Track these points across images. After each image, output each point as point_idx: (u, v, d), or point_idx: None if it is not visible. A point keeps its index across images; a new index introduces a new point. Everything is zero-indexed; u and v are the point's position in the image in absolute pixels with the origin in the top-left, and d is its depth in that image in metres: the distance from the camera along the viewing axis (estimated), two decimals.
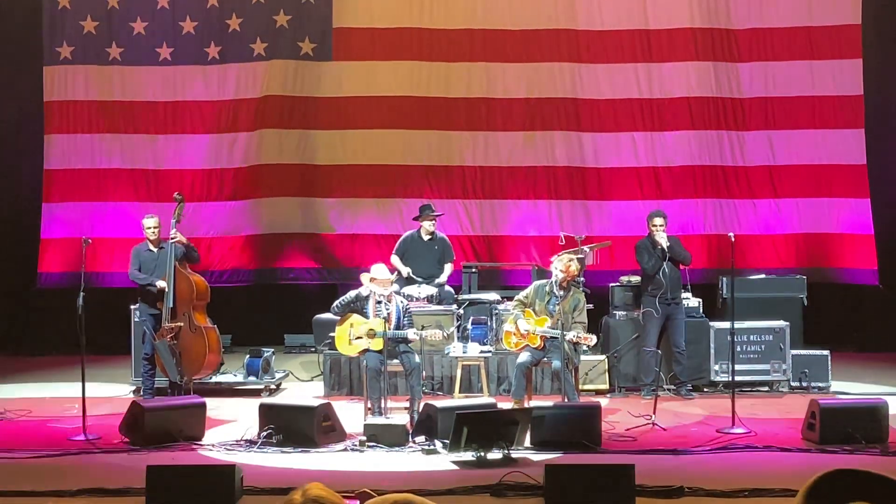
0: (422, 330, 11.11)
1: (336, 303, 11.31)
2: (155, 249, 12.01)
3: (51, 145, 15.29)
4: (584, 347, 11.23)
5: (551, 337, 10.97)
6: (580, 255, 12.85)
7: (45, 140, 15.27)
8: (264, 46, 15.25)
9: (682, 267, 12.54)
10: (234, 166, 15.32)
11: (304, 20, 15.26)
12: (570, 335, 10.77)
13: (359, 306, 11.18)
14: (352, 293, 11.27)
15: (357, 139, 15.35)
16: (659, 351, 12.06)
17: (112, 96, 15.30)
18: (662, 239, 12.24)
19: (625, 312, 12.95)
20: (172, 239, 11.85)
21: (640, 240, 12.71)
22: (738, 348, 12.25)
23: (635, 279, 13.10)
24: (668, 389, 12.26)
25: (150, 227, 12.00)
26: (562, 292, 11.04)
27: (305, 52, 15.27)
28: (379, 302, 11.14)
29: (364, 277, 11.33)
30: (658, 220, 12.39)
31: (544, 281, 11.32)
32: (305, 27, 15.27)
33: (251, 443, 9.96)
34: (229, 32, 15.26)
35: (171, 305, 11.78)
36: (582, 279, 12.67)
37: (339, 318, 11.23)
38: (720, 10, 15.11)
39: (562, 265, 11.09)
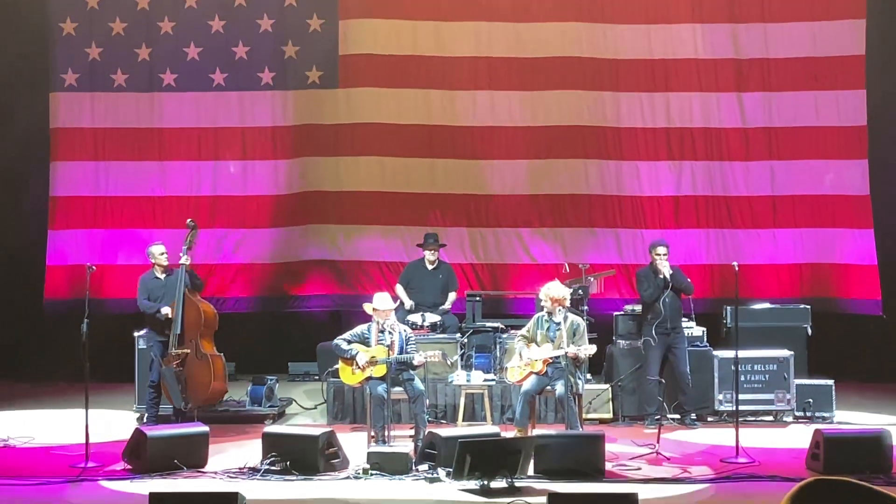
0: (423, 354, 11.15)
1: (339, 341, 11.26)
2: (162, 277, 12.04)
3: (56, 172, 15.31)
4: (586, 355, 11.13)
5: (553, 360, 11.00)
6: (584, 284, 12.89)
7: (50, 167, 15.30)
8: (272, 76, 15.30)
9: (683, 296, 12.55)
10: (239, 194, 15.33)
11: (310, 49, 15.31)
12: (570, 349, 10.82)
13: (363, 338, 11.22)
14: (356, 329, 11.31)
15: (362, 166, 15.38)
16: (662, 380, 12.05)
17: (117, 123, 15.31)
18: (665, 268, 12.27)
19: (629, 341, 12.93)
20: (183, 264, 11.85)
21: (641, 268, 12.72)
22: (743, 378, 12.24)
23: (640, 308, 13.12)
24: (672, 419, 12.25)
25: (159, 254, 12.03)
26: (558, 319, 11.09)
27: (313, 81, 15.32)
28: (381, 331, 11.16)
29: (367, 307, 11.36)
30: (661, 249, 12.42)
31: (543, 312, 11.36)
32: (312, 55, 15.31)
33: (254, 470, 9.96)
34: (236, 60, 15.30)
35: (179, 332, 11.79)
36: (585, 307, 12.69)
37: (344, 352, 11.21)
38: (724, 41, 15.14)
39: (543, 295, 11.21)
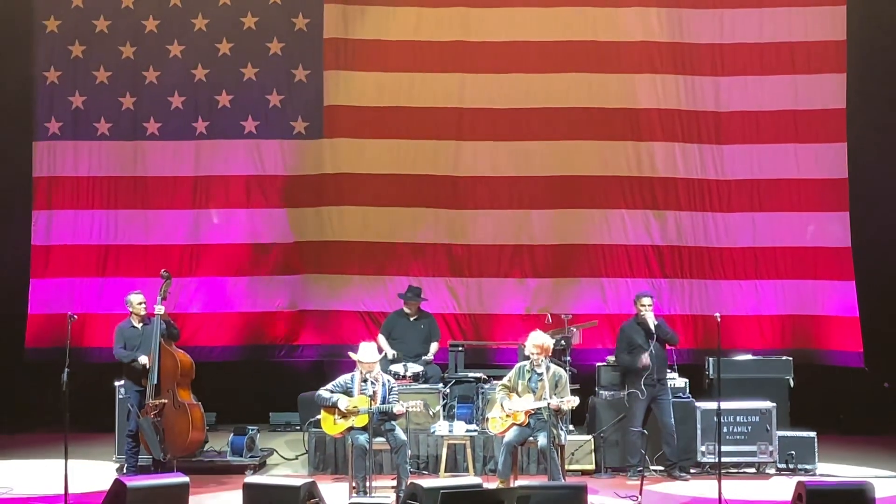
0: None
1: (321, 392, 11.26)
2: (139, 326, 12.02)
3: (39, 221, 15.29)
4: (568, 408, 11.10)
5: (535, 411, 10.98)
6: (566, 335, 12.89)
7: (33, 216, 15.28)
8: (256, 125, 15.35)
9: (668, 347, 12.55)
10: (222, 243, 15.33)
11: (295, 99, 15.38)
12: (552, 401, 10.79)
13: (346, 388, 11.20)
14: (340, 379, 11.29)
15: (345, 216, 15.41)
16: (645, 431, 12.03)
17: (100, 171, 15.33)
18: (650, 319, 12.26)
19: (612, 392, 12.93)
20: (158, 314, 11.86)
21: (625, 321, 12.71)
22: (725, 429, 12.23)
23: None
24: (655, 470, 12.22)
25: (137, 304, 12.03)
26: (541, 369, 11.09)
27: (298, 132, 15.37)
28: (365, 380, 11.14)
29: (354, 355, 11.34)
30: (646, 300, 12.42)
31: (525, 362, 11.35)
32: (297, 106, 15.38)
33: None
34: (219, 108, 15.34)
35: (156, 382, 11.75)
36: (568, 358, 12.69)
37: (325, 400, 11.21)
38: (707, 93, 15.27)
39: (531, 344, 11.19)
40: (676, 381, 12.86)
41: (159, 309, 11.91)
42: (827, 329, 14.98)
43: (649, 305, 12.37)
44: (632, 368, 12.27)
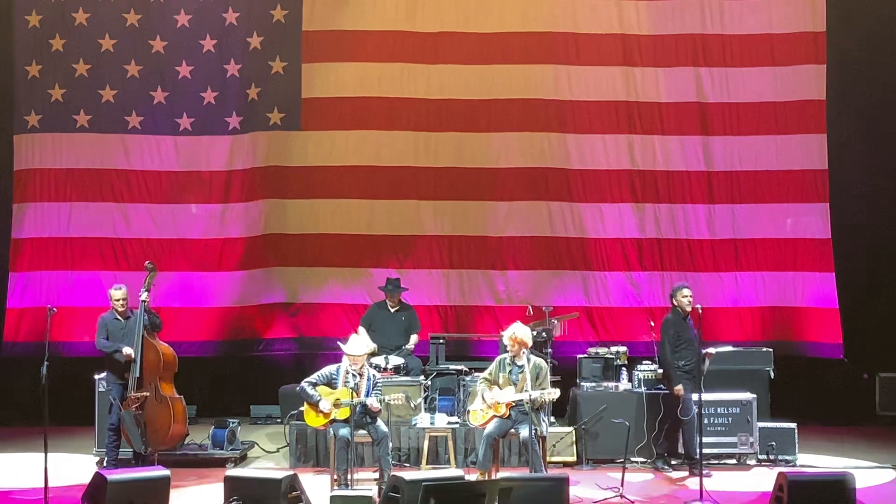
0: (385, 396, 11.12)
1: (305, 385, 11.24)
2: (122, 319, 11.98)
3: (19, 214, 15.22)
4: (549, 399, 11.10)
5: (516, 403, 10.99)
6: (547, 327, 12.89)
7: (13, 209, 15.21)
8: (239, 120, 15.29)
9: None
10: (203, 237, 15.28)
11: (272, 91, 15.32)
12: (533, 394, 10.80)
13: (330, 380, 11.19)
14: (325, 370, 11.27)
15: (325, 208, 15.37)
16: (627, 423, 12.03)
17: (80, 164, 15.25)
18: (708, 357, 12.03)
19: (593, 384, 12.94)
20: (143, 301, 11.80)
21: (667, 315, 12.62)
22: (706, 420, 12.24)
23: (603, 350, 13.20)
24: (636, 461, 12.25)
25: (118, 299, 11.98)
26: (521, 361, 11.09)
27: (274, 122, 15.33)
28: (348, 372, 11.13)
29: (343, 346, 11.33)
30: (687, 291, 12.41)
31: (506, 354, 11.35)
32: (274, 97, 15.32)
33: None
34: (204, 105, 15.28)
35: (138, 375, 11.72)
36: (549, 350, 12.69)
37: (309, 397, 11.19)
38: (687, 85, 15.28)
39: (507, 337, 11.21)
40: (658, 372, 12.86)
41: (144, 296, 11.87)
42: (807, 320, 15.02)
43: (691, 296, 12.35)
44: (675, 363, 12.24)
